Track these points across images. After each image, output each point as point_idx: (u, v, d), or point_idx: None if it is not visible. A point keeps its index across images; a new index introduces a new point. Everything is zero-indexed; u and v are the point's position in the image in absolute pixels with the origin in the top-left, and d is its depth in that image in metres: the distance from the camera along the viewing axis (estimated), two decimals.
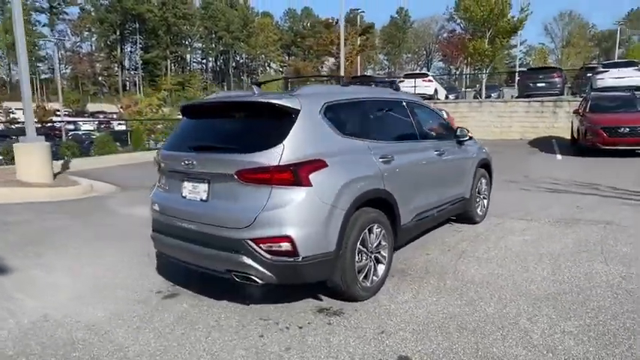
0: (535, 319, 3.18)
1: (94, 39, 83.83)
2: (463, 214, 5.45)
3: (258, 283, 3.06)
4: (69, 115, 43.93)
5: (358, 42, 35.85)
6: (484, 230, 5.45)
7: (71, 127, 33.16)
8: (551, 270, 4.12)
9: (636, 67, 17.39)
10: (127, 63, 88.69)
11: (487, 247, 4.80)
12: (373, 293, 3.57)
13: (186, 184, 3.40)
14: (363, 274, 3.47)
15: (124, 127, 31.14)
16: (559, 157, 12.58)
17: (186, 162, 3.29)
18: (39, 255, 4.90)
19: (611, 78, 16.65)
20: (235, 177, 3.03)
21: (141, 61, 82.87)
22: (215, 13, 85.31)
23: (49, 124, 27.74)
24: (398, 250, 4.41)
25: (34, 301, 3.70)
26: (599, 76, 17.14)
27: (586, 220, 5.75)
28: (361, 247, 3.41)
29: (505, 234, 5.28)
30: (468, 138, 5.16)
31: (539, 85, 18.71)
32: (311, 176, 3.01)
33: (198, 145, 3.37)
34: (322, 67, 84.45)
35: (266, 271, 3.00)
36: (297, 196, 2.97)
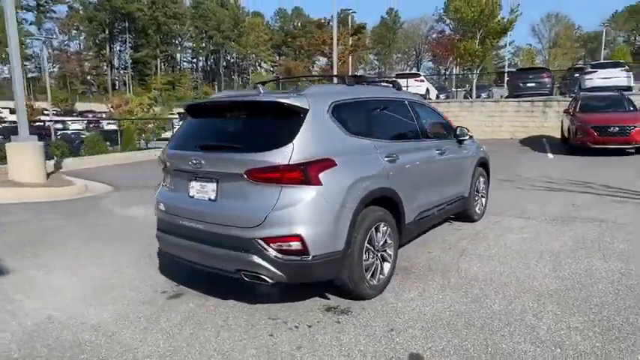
0: (540, 315, 3.22)
1: (82, 37, 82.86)
2: (462, 212, 5.50)
3: (268, 282, 3.06)
4: (57, 115, 43.40)
5: (350, 42, 35.95)
6: (483, 228, 5.50)
7: (59, 126, 32.74)
8: (552, 267, 4.17)
9: (623, 68, 17.68)
10: (116, 62, 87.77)
11: (487, 245, 4.84)
12: (380, 291, 3.59)
13: (193, 183, 3.38)
14: (370, 273, 3.48)
15: (114, 127, 30.83)
16: (550, 155, 12.74)
17: (194, 161, 3.28)
18: (37, 256, 4.85)
19: (599, 78, 16.91)
20: (245, 176, 3.03)
21: (130, 60, 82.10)
22: (205, 12, 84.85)
23: (36, 124, 27.37)
24: (400, 249, 4.41)
25: (36, 303, 3.66)
26: (587, 77, 17.39)
27: (582, 218, 5.84)
28: (368, 245, 3.42)
29: (504, 232, 5.33)
30: (467, 137, 5.21)
31: (529, 85, 18.92)
32: (320, 175, 3.02)
33: (207, 144, 3.36)
34: (313, 67, 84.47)
35: (276, 271, 3.00)
36: (307, 195, 2.98)
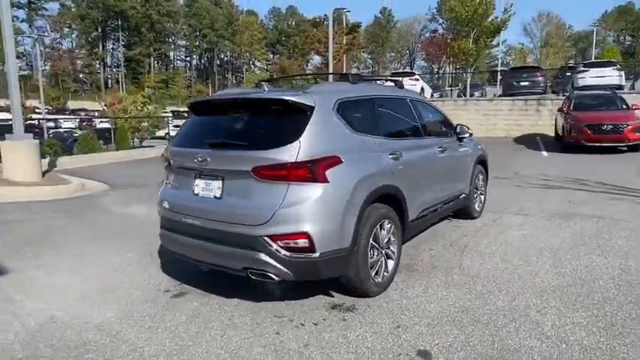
0: (544, 311, 3.25)
1: (74, 35, 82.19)
2: (462, 209, 5.53)
3: (274, 280, 3.05)
4: (49, 113, 43.02)
5: (344, 41, 35.96)
6: (482, 225, 5.54)
7: (51, 124, 32.46)
8: (552, 263, 4.21)
9: (615, 67, 17.85)
10: (109, 60, 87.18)
11: (488, 242, 4.87)
12: (384, 289, 3.59)
13: (198, 181, 3.37)
14: (375, 270, 3.49)
15: (107, 125, 30.66)
16: (545, 153, 12.83)
17: (200, 159, 3.26)
18: (37, 255, 4.80)
19: (591, 77, 17.07)
20: (252, 174, 3.02)
21: (123, 59, 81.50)
22: (199, 10, 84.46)
23: (28, 122, 27.12)
24: (402, 246, 4.44)
25: (38, 303, 3.62)
26: (580, 75, 17.54)
27: (580, 214, 5.89)
28: (373, 242, 3.43)
29: (504, 229, 5.37)
30: (468, 135, 5.24)
31: (522, 83, 19.05)
32: (327, 173, 3.02)
33: (212, 141, 3.34)
34: (307, 66, 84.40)
35: (283, 268, 3.00)
36: (314, 192, 2.98)
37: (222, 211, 3.18)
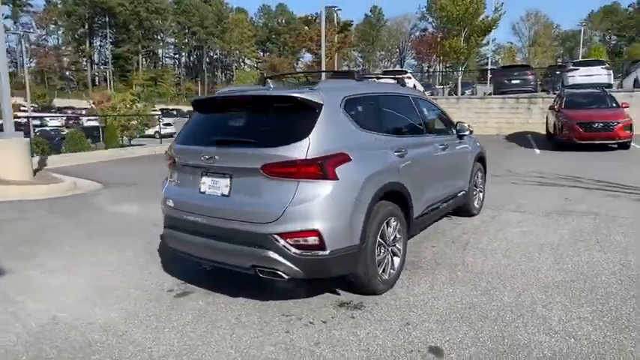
0: (550, 307, 3.28)
1: (60, 32, 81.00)
2: (462, 206, 5.55)
3: (284, 278, 3.03)
4: (35, 111, 42.32)
5: (335, 39, 35.94)
6: (482, 223, 5.57)
7: (37, 122, 31.96)
8: (554, 259, 4.24)
9: (603, 66, 18.09)
10: (96, 57, 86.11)
11: (489, 239, 4.90)
12: (390, 286, 3.59)
13: (204, 179, 3.33)
14: (382, 268, 3.49)
15: (95, 123, 30.32)
16: (537, 151, 12.97)
17: (207, 156, 3.22)
18: (33, 255, 4.72)
19: (580, 76, 17.27)
20: (261, 171, 2.99)
21: (111, 56, 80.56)
22: (188, 7, 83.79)
23: (15, 120, 26.61)
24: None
25: (38, 304, 3.56)
26: (569, 74, 17.74)
27: (577, 211, 5.95)
28: (381, 240, 3.43)
29: (503, 226, 5.40)
30: (468, 133, 5.26)
31: (513, 82, 19.23)
32: (337, 170, 3.01)
33: (219, 139, 3.30)
34: (297, 64, 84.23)
35: (293, 266, 2.98)
36: (324, 189, 2.96)
37: (230, 208, 3.15)
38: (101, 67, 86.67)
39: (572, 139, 11.83)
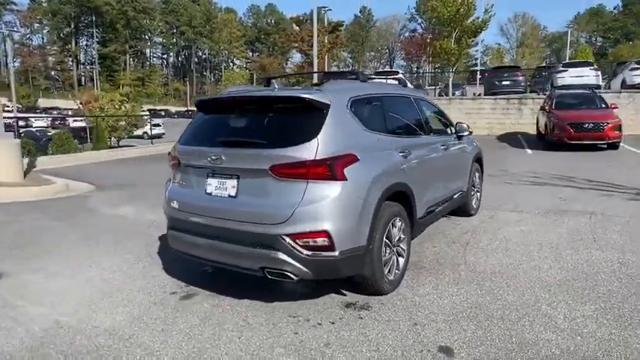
0: (554, 305, 3.31)
1: (45, 31, 79.85)
2: (461, 206, 5.58)
3: (293, 279, 3.02)
4: (19, 111, 41.63)
5: (326, 40, 35.97)
6: (480, 222, 5.61)
7: (22, 123, 31.42)
8: (554, 258, 4.29)
9: (592, 67, 18.39)
10: (82, 57, 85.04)
11: (489, 239, 4.94)
12: (395, 286, 3.60)
13: (210, 180, 3.31)
14: (388, 268, 3.50)
15: (82, 124, 29.94)
16: (529, 151, 13.11)
17: (213, 157, 3.20)
18: (30, 258, 4.64)
19: (569, 77, 17.53)
20: (269, 172, 2.98)
21: (98, 56, 79.61)
22: (177, 7, 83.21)
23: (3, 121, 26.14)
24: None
25: (40, 308, 3.50)
26: (559, 75, 18.00)
27: (572, 210, 6.03)
28: (387, 240, 3.44)
29: (501, 225, 5.45)
30: (467, 133, 5.30)
31: (504, 83, 19.44)
32: (345, 170, 3.01)
33: (226, 140, 3.28)
34: (287, 64, 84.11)
35: (302, 267, 2.97)
36: (333, 190, 2.96)
37: (238, 210, 3.13)
38: (87, 67, 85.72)
39: (563, 140, 11.99)
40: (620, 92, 16.79)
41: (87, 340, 2.99)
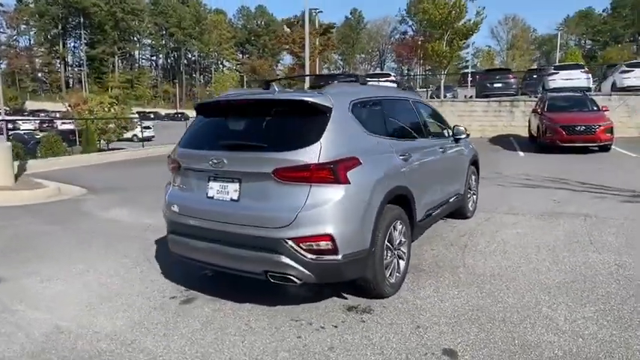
0: (555, 307, 3.34)
1: (32, 33, 78.88)
2: (457, 209, 5.61)
3: (296, 283, 3.02)
4: (7, 114, 41.03)
5: (317, 42, 36.01)
6: (477, 225, 5.64)
7: (9, 126, 31.00)
8: (552, 260, 4.33)
9: (583, 70, 18.62)
10: (70, 59, 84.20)
11: (486, 241, 4.97)
12: (396, 289, 3.61)
13: (212, 183, 3.29)
14: (389, 271, 3.50)
15: (70, 127, 29.64)
16: (521, 154, 13.23)
17: (215, 161, 3.18)
18: (27, 263, 4.58)
19: (561, 79, 17.73)
20: (272, 175, 2.97)
21: (86, 57, 78.86)
22: (166, 8, 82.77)
23: None
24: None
25: (39, 313, 3.46)
26: (550, 78, 18.20)
27: (567, 213, 6.09)
28: (388, 243, 3.44)
29: (498, 228, 5.49)
30: (464, 136, 5.33)
31: (496, 85, 19.61)
32: (348, 174, 3.02)
33: (228, 143, 3.26)
34: (277, 66, 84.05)
35: (305, 271, 2.96)
36: (336, 194, 2.96)
37: (240, 213, 3.12)
38: (75, 69, 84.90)
39: (555, 142, 12.11)
40: (611, 95, 17.03)
41: (89, 346, 2.95)
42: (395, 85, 5.40)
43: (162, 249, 4.92)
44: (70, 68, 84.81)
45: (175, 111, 67.70)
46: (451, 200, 5.08)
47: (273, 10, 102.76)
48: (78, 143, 22.80)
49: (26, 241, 5.40)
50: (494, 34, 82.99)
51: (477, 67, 62.68)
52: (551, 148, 12.25)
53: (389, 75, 21.67)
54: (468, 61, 58.22)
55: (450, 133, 5.26)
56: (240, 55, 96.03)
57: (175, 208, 3.50)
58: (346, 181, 3.00)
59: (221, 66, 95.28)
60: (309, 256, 2.95)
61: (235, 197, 3.17)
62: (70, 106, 30.49)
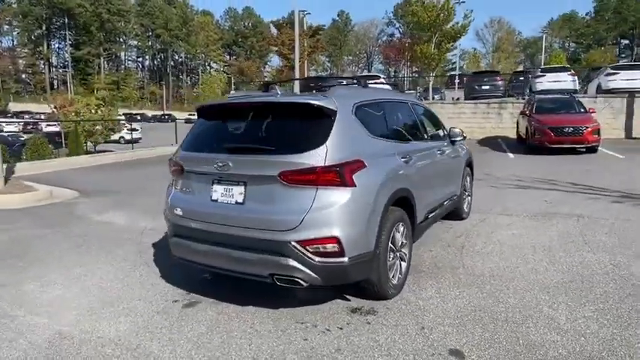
0: (555, 307, 3.40)
1: (16, 33, 77.50)
2: (453, 210, 5.67)
3: (302, 285, 3.03)
4: None
5: (305, 43, 36.05)
6: (472, 226, 5.71)
7: None
8: (549, 260, 4.40)
9: (569, 72, 18.95)
10: (54, 60, 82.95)
11: (483, 242, 5.03)
12: (399, 291, 3.64)
13: (216, 186, 3.28)
14: (392, 273, 3.53)
15: (55, 129, 29.24)
16: (511, 155, 13.40)
17: (220, 164, 3.17)
18: (24, 267, 4.52)
19: (547, 82, 18.04)
20: (279, 178, 2.98)
21: (71, 59, 77.76)
22: (152, 10, 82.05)
23: None
24: None
25: (40, 318, 3.41)
26: (537, 80, 18.49)
27: (560, 213, 6.19)
28: (391, 245, 3.47)
29: (494, 229, 5.56)
30: (460, 139, 5.39)
31: (484, 87, 19.86)
32: (354, 176, 3.03)
33: (233, 146, 3.25)
34: (265, 67, 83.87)
35: (312, 273, 2.97)
36: (342, 196, 2.98)
37: (245, 216, 3.11)
38: (60, 70, 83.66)
39: (544, 143, 12.30)
40: (596, 97, 17.35)
41: (94, 351, 2.92)
42: (395, 87, 5.44)
43: (159, 252, 4.89)
44: (54, 69, 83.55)
45: (162, 112, 67.10)
46: (449, 202, 5.13)
47: (260, 12, 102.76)
48: (64, 145, 22.49)
49: (21, 245, 5.32)
50: (480, 37, 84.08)
51: (463, 69, 63.34)
52: (539, 149, 12.44)
53: (378, 77, 21.74)
54: (454, 63, 58.79)
55: (446, 135, 5.32)
56: (228, 57, 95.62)
57: (178, 212, 3.48)
58: (352, 184, 3.02)
59: (208, 67, 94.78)
60: (316, 258, 2.96)
61: (240, 200, 3.16)
62: (55, 107, 30.06)
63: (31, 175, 10.93)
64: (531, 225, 5.69)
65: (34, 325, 3.29)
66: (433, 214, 4.57)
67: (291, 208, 2.98)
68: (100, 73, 79.51)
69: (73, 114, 26.01)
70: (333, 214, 2.96)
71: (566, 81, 17.66)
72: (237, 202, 3.18)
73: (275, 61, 71.02)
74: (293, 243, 2.94)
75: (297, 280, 3.01)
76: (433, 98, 25.54)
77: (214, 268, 3.45)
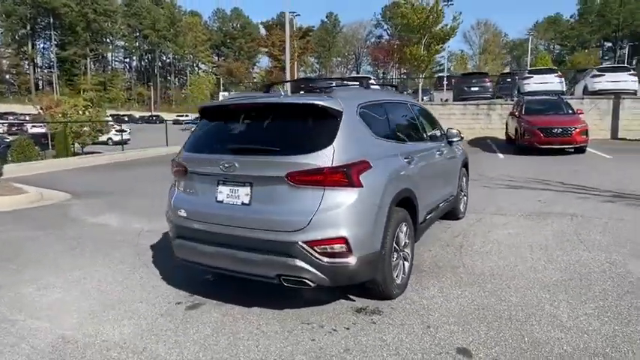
0: (557, 305, 3.45)
1: None
2: (450, 210, 5.72)
3: (310, 286, 3.03)
4: None
5: (296, 44, 36.06)
6: (469, 226, 5.76)
7: None
8: (546, 259, 4.46)
9: (556, 74, 19.24)
10: (40, 60, 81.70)
11: (481, 242, 5.08)
12: (402, 290, 3.66)
13: (221, 187, 3.26)
14: (396, 273, 3.55)
15: (41, 130, 28.84)
16: (501, 155, 13.56)
17: (226, 165, 3.16)
18: (20, 270, 4.45)
19: (535, 83, 18.31)
20: (286, 179, 2.97)
21: (56, 59, 76.63)
22: (139, 10, 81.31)
23: None
24: None
25: (41, 322, 3.36)
26: (525, 82, 18.75)
27: (554, 213, 6.28)
28: (395, 245, 3.49)
29: (490, 228, 5.62)
30: (458, 139, 5.44)
31: (473, 89, 20.06)
32: (361, 177, 3.05)
33: (238, 147, 3.24)
34: (253, 68, 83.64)
35: (319, 274, 2.98)
36: (349, 197, 2.99)
37: (252, 217, 3.11)
38: (45, 71, 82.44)
39: (533, 144, 12.47)
40: (583, 98, 17.65)
41: (99, 355, 2.89)
42: (394, 88, 5.47)
43: (159, 254, 4.85)
44: (39, 70, 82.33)
45: (150, 114, 66.55)
46: (445, 202, 5.17)
47: (248, 13, 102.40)
48: (50, 147, 22.16)
49: (15, 247, 5.23)
50: (467, 39, 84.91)
51: (451, 70, 63.88)
52: (529, 149, 12.61)
53: (368, 79, 21.84)
54: (442, 64, 59.30)
55: (444, 136, 5.37)
56: (216, 58, 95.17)
57: (182, 213, 3.46)
58: (359, 185, 3.03)
59: (196, 68, 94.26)
60: (324, 259, 2.96)
61: (246, 201, 3.15)
62: (42, 108, 29.60)
63: (19, 177, 10.77)
64: (526, 224, 5.76)
65: (36, 329, 3.24)
66: (433, 214, 4.61)
67: (298, 208, 2.98)
68: (87, 74, 78.54)
69: (60, 115, 25.63)
70: (341, 214, 2.97)
71: (553, 82, 17.95)
72: (243, 203, 3.17)
73: (264, 62, 70.93)
74: (301, 244, 2.94)
75: (304, 280, 3.01)
76: (422, 99, 25.70)
77: (219, 270, 3.43)
